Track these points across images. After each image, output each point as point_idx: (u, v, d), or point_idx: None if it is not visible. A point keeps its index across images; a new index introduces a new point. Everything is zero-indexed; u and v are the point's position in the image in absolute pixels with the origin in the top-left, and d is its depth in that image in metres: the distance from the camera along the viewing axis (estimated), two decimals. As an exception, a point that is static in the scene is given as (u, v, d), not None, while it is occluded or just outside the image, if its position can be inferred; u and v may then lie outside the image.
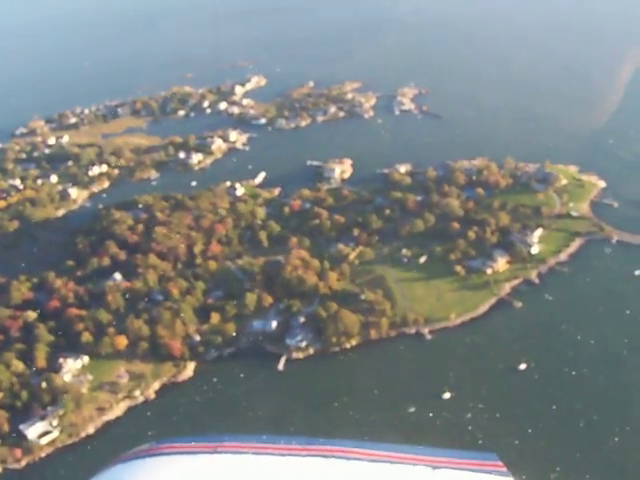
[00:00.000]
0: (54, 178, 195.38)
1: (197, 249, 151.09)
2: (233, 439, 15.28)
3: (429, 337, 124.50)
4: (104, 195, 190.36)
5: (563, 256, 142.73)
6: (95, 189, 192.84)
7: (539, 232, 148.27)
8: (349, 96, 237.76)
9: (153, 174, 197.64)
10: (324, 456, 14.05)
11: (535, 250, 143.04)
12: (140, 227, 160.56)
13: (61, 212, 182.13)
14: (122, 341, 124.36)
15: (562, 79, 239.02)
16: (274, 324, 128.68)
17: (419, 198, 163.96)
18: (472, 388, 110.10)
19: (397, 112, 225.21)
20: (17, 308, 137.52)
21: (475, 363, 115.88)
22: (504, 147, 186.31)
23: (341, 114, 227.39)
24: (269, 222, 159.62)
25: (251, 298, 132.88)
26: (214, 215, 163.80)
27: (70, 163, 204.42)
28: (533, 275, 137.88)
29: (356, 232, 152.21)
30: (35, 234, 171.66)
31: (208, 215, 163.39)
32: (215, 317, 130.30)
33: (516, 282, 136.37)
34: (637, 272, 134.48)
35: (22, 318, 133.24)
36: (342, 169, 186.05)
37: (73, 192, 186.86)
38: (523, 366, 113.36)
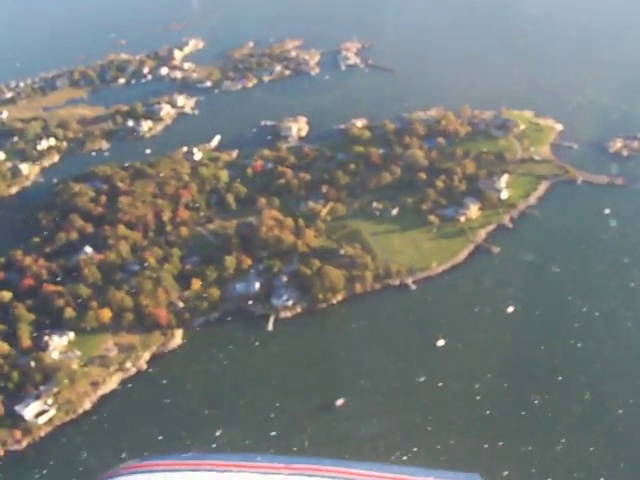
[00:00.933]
0: (1, 155, 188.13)
1: (165, 216, 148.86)
2: (215, 457, 15.58)
3: (414, 287, 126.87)
4: (56, 169, 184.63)
5: (532, 199, 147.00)
6: (46, 163, 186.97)
7: (505, 178, 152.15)
8: (292, 54, 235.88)
9: (104, 144, 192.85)
10: (307, 475, 13.87)
11: (504, 195, 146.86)
12: (103, 198, 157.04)
13: (14, 189, 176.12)
14: (106, 314, 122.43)
15: (513, 29, 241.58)
16: (257, 285, 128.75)
17: (381, 151, 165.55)
18: (464, 334, 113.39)
19: (343, 67, 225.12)
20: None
21: (463, 309, 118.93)
22: (458, 96, 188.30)
23: (287, 72, 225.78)
24: (234, 184, 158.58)
25: (230, 261, 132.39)
26: (177, 181, 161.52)
27: (15, 139, 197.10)
28: (506, 220, 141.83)
29: (324, 189, 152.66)
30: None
31: (171, 181, 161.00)
32: (196, 283, 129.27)
33: (490, 228, 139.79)
34: (606, 211, 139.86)
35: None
36: (298, 127, 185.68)
37: (24, 168, 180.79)
38: (511, 309, 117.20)
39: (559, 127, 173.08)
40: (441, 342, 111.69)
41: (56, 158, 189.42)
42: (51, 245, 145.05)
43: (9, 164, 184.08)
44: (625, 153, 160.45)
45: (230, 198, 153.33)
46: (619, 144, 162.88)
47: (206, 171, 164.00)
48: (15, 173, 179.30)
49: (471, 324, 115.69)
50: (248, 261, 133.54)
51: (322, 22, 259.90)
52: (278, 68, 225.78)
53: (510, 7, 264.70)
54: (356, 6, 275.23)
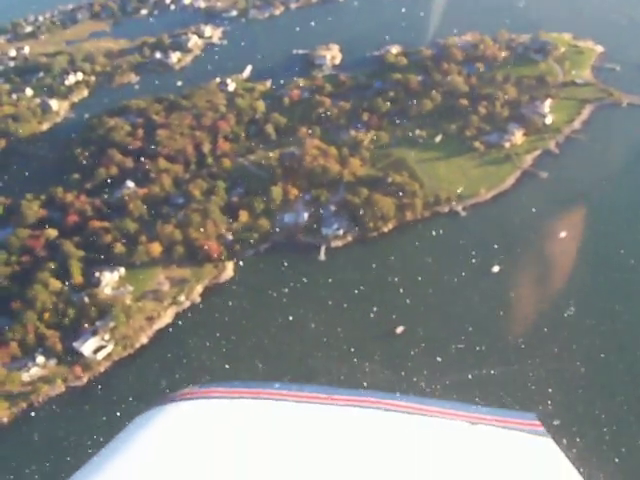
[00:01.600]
0: (29, 91, 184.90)
1: (205, 148, 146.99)
2: (278, 387, 14.88)
3: (463, 214, 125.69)
4: (86, 104, 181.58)
5: (577, 124, 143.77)
6: (75, 99, 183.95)
7: (548, 102, 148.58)
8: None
9: (133, 78, 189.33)
10: (363, 407, 13.75)
11: (549, 120, 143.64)
12: (140, 132, 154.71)
13: (46, 126, 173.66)
14: (156, 248, 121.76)
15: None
16: (305, 216, 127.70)
17: (419, 78, 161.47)
18: (519, 259, 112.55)
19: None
20: (33, 227, 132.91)
21: (515, 234, 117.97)
22: (492, 20, 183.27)
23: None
24: (272, 114, 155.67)
25: (277, 192, 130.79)
26: (214, 113, 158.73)
27: (41, 74, 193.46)
28: (552, 145, 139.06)
29: (365, 117, 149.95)
30: (25, 151, 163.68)
31: (207, 113, 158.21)
32: (243, 215, 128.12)
33: (536, 153, 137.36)
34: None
35: (43, 236, 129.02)
36: (332, 55, 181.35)
37: (54, 104, 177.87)
38: (563, 234, 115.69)
39: (600, 49, 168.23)
40: (496, 268, 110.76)
41: (85, 93, 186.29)
42: (91, 181, 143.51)
43: (37, 100, 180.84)
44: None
45: (269, 128, 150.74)
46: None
47: (242, 102, 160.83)
48: (45, 109, 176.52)
49: (524, 250, 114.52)
50: (294, 191, 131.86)
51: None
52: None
53: None
54: None
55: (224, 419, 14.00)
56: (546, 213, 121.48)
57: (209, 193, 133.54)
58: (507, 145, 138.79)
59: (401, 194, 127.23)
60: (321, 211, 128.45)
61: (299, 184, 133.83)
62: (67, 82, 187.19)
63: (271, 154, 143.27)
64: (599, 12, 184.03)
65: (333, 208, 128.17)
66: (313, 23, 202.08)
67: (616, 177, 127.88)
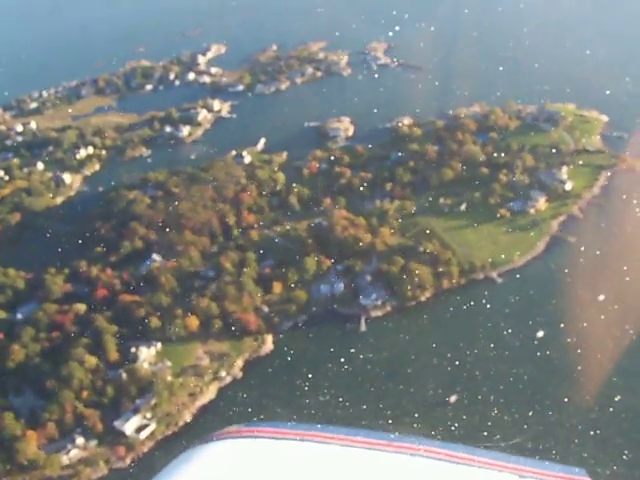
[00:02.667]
0: (40, 165, 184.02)
1: (230, 221, 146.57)
2: (322, 429, 15.30)
3: (499, 280, 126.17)
4: (99, 177, 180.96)
5: (596, 190, 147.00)
6: (87, 172, 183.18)
7: (565, 169, 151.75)
8: (320, 55, 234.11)
9: (144, 151, 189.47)
10: (411, 454, 13.84)
11: (569, 186, 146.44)
12: (161, 205, 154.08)
13: (60, 200, 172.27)
14: (193, 322, 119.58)
15: (541, 22, 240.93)
16: (341, 286, 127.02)
17: (435, 148, 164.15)
18: (561, 323, 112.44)
19: (375, 67, 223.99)
20: (60, 302, 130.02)
21: (554, 299, 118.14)
22: (495, 92, 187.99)
23: (318, 74, 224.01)
24: (294, 186, 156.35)
25: (310, 262, 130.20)
26: (234, 185, 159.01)
27: (51, 148, 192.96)
28: (575, 210, 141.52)
29: (389, 187, 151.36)
30: (40, 225, 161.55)
31: (228, 185, 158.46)
32: (277, 286, 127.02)
33: (561, 219, 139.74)
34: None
35: (72, 311, 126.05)
36: (345, 127, 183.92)
37: (67, 178, 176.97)
38: (602, 297, 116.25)
39: (604, 118, 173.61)
40: (540, 333, 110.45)
41: (97, 166, 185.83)
42: (116, 254, 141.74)
43: (49, 174, 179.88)
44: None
45: (293, 200, 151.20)
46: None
47: (262, 173, 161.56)
48: (58, 183, 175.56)
49: (566, 313, 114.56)
50: (327, 262, 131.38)
51: (343, 24, 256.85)
52: (309, 70, 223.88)
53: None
54: (375, 8, 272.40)
55: (264, 458, 14.23)
56: (581, 277, 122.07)
57: (240, 265, 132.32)
58: (532, 211, 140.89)
59: (435, 262, 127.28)
60: (357, 281, 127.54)
61: (331, 254, 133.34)
62: (78, 156, 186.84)
63: (298, 225, 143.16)
64: (599, 82, 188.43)
65: (369, 278, 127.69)
66: (320, 97, 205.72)
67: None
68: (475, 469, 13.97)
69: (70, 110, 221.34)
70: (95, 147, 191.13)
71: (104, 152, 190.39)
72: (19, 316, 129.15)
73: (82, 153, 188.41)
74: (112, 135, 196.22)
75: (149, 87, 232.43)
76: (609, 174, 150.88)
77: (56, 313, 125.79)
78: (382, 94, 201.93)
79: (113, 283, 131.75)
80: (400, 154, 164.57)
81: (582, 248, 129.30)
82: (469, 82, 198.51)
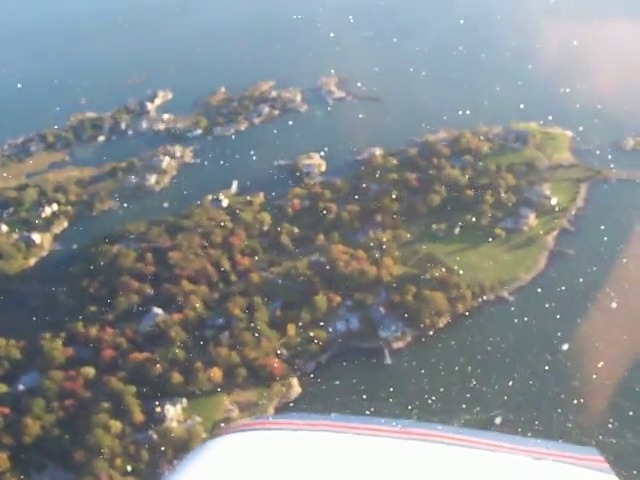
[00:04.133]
0: (4, 227, 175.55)
1: (226, 266, 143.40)
2: (335, 419, 16.02)
3: (511, 298, 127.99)
4: (70, 234, 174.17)
5: (580, 202, 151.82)
6: (56, 230, 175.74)
7: (547, 185, 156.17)
8: (273, 94, 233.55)
9: (113, 204, 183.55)
10: (425, 440, 14.38)
11: (554, 201, 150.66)
12: (149, 257, 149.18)
13: (33, 261, 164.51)
14: (217, 373, 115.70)
15: (490, 48, 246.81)
16: (357, 321, 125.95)
17: (414, 175, 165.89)
18: (584, 334, 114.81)
19: (331, 101, 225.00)
20: (64, 368, 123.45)
21: (570, 309, 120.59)
22: (458, 115, 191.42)
23: (276, 112, 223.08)
24: (282, 225, 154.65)
25: (321, 301, 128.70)
26: (221, 229, 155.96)
27: (12, 209, 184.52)
28: (566, 224, 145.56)
29: (379, 217, 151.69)
30: (17, 289, 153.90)
31: (215, 230, 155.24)
32: (291, 328, 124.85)
33: (554, 233, 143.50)
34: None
35: (81, 376, 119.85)
36: (317, 163, 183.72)
37: (36, 237, 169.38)
38: (614, 305, 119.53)
39: (569, 133, 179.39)
40: (565, 346, 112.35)
41: (65, 223, 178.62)
42: (112, 312, 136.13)
43: (15, 235, 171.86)
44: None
45: (285, 239, 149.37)
46: (632, 142, 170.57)
47: (246, 215, 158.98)
48: (28, 244, 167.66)
49: (586, 323, 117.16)
50: (337, 298, 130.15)
51: (288, 61, 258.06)
52: (266, 109, 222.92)
53: (484, 28, 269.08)
54: (319, 40, 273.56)
55: (278, 449, 14.40)
56: (590, 286, 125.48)
57: (249, 310, 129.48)
58: (525, 229, 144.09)
59: (445, 287, 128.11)
60: (371, 314, 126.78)
61: (338, 290, 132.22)
62: (44, 214, 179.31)
63: (297, 264, 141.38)
64: (555, 100, 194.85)
65: (382, 310, 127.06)
66: (282, 135, 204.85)
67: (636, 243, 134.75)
68: (492, 453, 14.14)
69: (23, 168, 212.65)
70: (60, 204, 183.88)
71: (70, 208, 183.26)
72: (21, 387, 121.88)
73: (47, 211, 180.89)
74: (75, 190, 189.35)
75: (101, 138, 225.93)
76: (588, 186, 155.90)
77: (64, 380, 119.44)
78: (344, 127, 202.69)
79: (118, 342, 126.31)
80: (380, 185, 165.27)
81: (583, 259, 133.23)
82: (429, 108, 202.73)
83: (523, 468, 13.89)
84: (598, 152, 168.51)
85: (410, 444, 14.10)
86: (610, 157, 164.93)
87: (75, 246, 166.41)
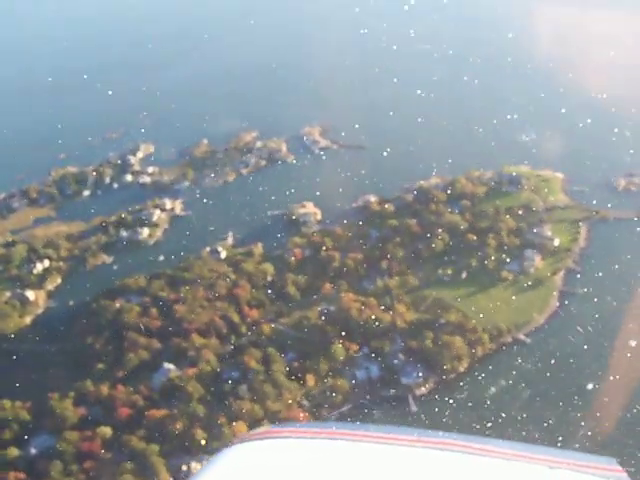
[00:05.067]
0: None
1: (235, 318, 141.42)
2: (351, 427, 16.29)
3: (528, 340, 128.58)
4: (65, 291, 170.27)
5: (582, 242, 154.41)
6: (50, 287, 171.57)
7: (548, 226, 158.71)
8: (258, 144, 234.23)
9: (107, 258, 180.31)
10: (440, 449, 14.28)
11: (557, 242, 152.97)
12: (154, 311, 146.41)
13: (29, 319, 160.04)
14: (242, 428, 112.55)
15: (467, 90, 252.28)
16: (376, 369, 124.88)
17: (414, 221, 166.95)
18: (606, 372, 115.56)
19: (316, 151, 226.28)
20: (77, 429, 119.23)
21: (589, 350, 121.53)
22: (447, 161, 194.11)
23: (262, 162, 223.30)
24: (286, 275, 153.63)
25: (339, 350, 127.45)
26: (223, 281, 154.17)
27: (1, 267, 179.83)
28: (571, 264, 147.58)
29: (384, 264, 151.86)
30: (15, 349, 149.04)
31: (218, 282, 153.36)
32: (310, 379, 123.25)
33: (561, 274, 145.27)
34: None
35: (98, 436, 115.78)
36: (313, 211, 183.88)
37: (30, 295, 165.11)
38: (633, 343, 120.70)
39: (560, 175, 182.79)
40: (590, 386, 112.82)
41: (59, 280, 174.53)
42: (121, 369, 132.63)
43: (8, 293, 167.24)
44: (633, 189, 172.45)
45: (292, 289, 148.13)
46: (623, 182, 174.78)
47: (248, 266, 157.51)
48: (23, 302, 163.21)
49: (606, 362, 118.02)
50: (354, 347, 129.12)
51: (269, 111, 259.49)
52: (253, 159, 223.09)
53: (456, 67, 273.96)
54: (299, 89, 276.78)
55: (293, 457, 14.36)
56: (606, 325, 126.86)
57: (264, 362, 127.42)
58: (532, 270, 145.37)
59: (461, 332, 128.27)
60: (390, 362, 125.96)
61: (354, 339, 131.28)
62: (35, 271, 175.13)
63: (308, 314, 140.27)
64: (541, 143, 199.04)
65: (401, 356, 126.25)
66: (272, 184, 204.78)
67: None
68: (504, 462, 14.06)
69: (7, 224, 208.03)
70: (51, 260, 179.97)
71: (62, 264, 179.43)
72: (33, 450, 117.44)
73: (39, 267, 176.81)
74: (66, 245, 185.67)
75: (87, 193, 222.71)
76: (587, 226, 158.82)
77: (80, 441, 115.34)
78: (334, 176, 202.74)
79: (134, 399, 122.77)
80: (379, 232, 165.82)
81: (595, 298, 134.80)
82: (418, 155, 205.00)
83: (539, 477, 13.75)
84: (591, 193, 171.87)
85: (425, 452, 13.98)
86: (604, 197, 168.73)
87: (72, 302, 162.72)
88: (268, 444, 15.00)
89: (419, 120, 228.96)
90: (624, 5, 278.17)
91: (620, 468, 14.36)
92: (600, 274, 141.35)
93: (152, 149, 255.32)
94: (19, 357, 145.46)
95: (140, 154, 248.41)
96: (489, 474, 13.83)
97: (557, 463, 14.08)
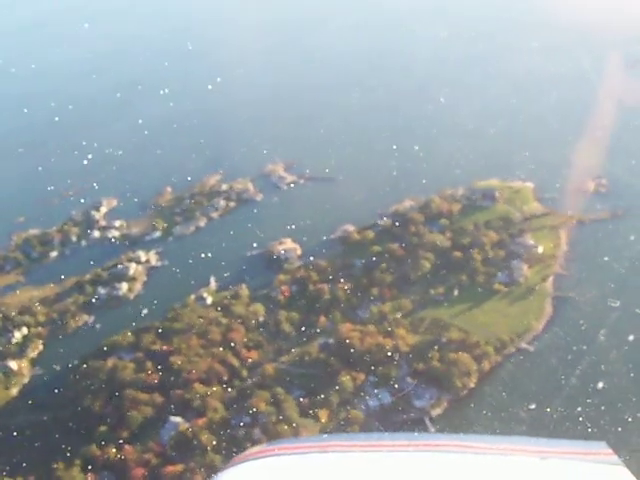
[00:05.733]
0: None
1: (234, 362, 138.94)
2: (341, 438, 16.61)
3: (532, 348, 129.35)
4: (49, 357, 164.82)
5: (564, 247, 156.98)
6: (32, 354, 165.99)
7: (529, 235, 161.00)
8: (224, 187, 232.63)
9: (88, 318, 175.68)
10: (432, 451, 14.67)
11: (541, 250, 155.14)
12: (149, 365, 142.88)
13: (15, 390, 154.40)
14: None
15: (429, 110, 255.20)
16: (387, 395, 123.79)
17: (396, 245, 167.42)
18: (613, 369, 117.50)
19: (284, 187, 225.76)
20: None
21: (594, 347, 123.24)
22: (419, 182, 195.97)
23: (232, 204, 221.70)
24: (279, 312, 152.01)
25: (347, 381, 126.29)
26: (216, 327, 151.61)
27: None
28: (558, 269, 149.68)
29: (375, 291, 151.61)
30: (5, 423, 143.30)
31: (210, 328, 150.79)
32: (323, 414, 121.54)
33: (550, 280, 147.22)
34: (631, 237, 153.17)
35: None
36: (292, 247, 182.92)
37: (13, 365, 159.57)
38: (631, 337, 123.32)
39: (530, 185, 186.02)
40: (600, 384, 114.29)
41: (40, 346, 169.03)
42: (126, 428, 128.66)
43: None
44: (603, 190, 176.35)
45: (287, 327, 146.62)
46: (592, 185, 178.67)
47: (237, 309, 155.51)
48: (7, 373, 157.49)
49: (614, 359, 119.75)
50: (361, 376, 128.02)
51: (229, 152, 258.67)
52: (221, 202, 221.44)
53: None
54: (255, 127, 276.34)
55: (290, 474, 14.60)
56: (603, 323, 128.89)
57: (274, 404, 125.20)
58: (522, 280, 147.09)
59: (466, 348, 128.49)
60: (400, 386, 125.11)
61: (359, 368, 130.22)
62: (14, 340, 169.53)
63: (308, 349, 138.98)
64: (506, 154, 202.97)
65: (410, 380, 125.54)
66: (245, 225, 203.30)
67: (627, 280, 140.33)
68: (500, 457, 14.42)
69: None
70: (29, 326, 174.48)
71: (41, 329, 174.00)
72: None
73: (17, 336, 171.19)
74: (42, 310, 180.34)
75: (54, 254, 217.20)
76: (567, 231, 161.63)
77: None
78: (307, 210, 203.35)
79: (146, 458, 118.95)
80: (364, 259, 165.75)
81: (587, 300, 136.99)
82: (389, 180, 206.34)
83: (530, 469, 13.94)
84: (562, 198, 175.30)
85: (418, 456, 14.24)
86: (575, 202, 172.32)
87: (58, 367, 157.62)
88: (263, 463, 15.08)
89: (378, 148, 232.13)
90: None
91: (610, 451, 14.62)
92: (588, 276, 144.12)
93: (115, 203, 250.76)
94: (7, 432, 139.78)
95: (104, 209, 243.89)
96: (483, 473, 13.97)
97: (549, 453, 14.45)
